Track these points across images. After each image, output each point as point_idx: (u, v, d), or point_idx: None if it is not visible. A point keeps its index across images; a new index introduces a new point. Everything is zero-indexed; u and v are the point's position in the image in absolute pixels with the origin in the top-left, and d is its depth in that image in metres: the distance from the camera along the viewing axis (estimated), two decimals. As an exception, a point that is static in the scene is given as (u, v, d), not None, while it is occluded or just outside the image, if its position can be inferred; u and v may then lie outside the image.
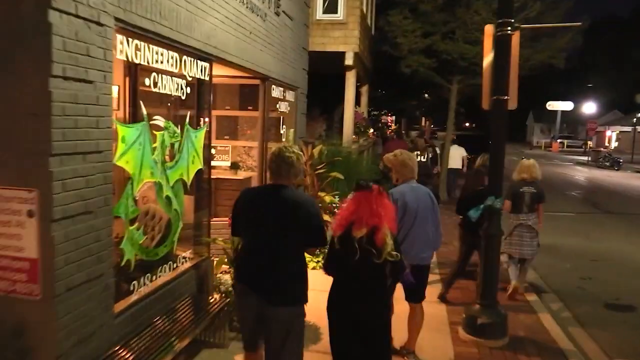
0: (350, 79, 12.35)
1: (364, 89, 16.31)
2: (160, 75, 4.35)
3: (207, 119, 5.48)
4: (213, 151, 8.32)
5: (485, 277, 5.04)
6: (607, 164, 31.84)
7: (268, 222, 3.16)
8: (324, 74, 15.10)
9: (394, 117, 28.69)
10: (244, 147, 8.93)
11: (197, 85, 5.27)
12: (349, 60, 11.90)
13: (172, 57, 4.51)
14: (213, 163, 8.39)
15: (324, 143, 13.01)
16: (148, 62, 4.11)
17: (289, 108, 8.81)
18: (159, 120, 4.44)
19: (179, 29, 4.55)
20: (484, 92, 5.22)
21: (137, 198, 4.07)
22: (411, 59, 13.09)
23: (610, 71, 60.17)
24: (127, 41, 3.83)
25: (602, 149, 39.79)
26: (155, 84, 4.29)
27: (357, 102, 16.73)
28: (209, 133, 5.53)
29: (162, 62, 4.34)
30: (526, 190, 6.37)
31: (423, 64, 13.02)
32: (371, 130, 19.03)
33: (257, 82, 7.51)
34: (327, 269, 3.36)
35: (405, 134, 20.78)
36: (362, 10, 12.47)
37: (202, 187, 5.50)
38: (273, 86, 7.82)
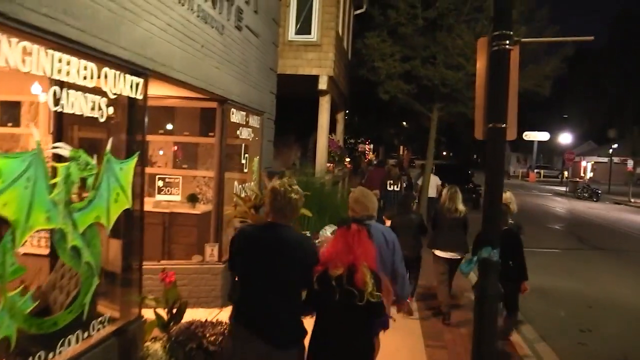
0: (324, 104, 11.49)
1: (340, 116, 15.48)
2: (64, 90, 3.34)
3: (140, 147, 4.46)
4: (160, 183, 7.32)
5: (480, 352, 4.02)
6: (586, 195, 31.50)
7: (272, 262, 3.05)
8: (298, 98, 14.28)
9: (371, 146, 27.84)
10: (204, 177, 7.92)
11: (127, 106, 4.28)
12: (322, 85, 11.06)
13: (85, 68, 3.50)
14: (159, 197, 7.41)
15: (295, 173, 12.09)
16: (44, 72, 3.11)
17: (252, 135, 7.85)
18: (63, 149, 3.41)
19: (97, 33, 3.57)
20: (477, 119, 4.33)
21: (20, 252, 3.02)
22: (389, 84, 12.30)
23: (585, 102, 60.95)
24: (9, 42, 2.83)
25: (579, 180, 39.71)
26: (57, 102, 3.28)
27: (333, 129, 15.89)
28: (141, 163, 4.48)
29: (68, 74, 3.33)
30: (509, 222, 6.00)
31: (402, 89, 12.24)
32: (347, 159, 18.16)
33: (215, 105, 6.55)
34: (305, 309, 3.20)
35: (382, 162, 19.98)
36: (338, 32, 11.70)
37: (132, 228, 4.45)
38: (233, 110, 6.86)
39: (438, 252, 6.77)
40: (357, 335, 3.09)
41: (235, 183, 7.35)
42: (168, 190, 7.17)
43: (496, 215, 4.16)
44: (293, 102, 15.85)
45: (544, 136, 54.12)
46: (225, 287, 6.60)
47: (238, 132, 7.22)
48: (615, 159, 40.45)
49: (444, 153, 55.09)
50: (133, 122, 4.36)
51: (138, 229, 4.53)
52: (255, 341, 3.03)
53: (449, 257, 6.71)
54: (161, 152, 7.92)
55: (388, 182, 10.67)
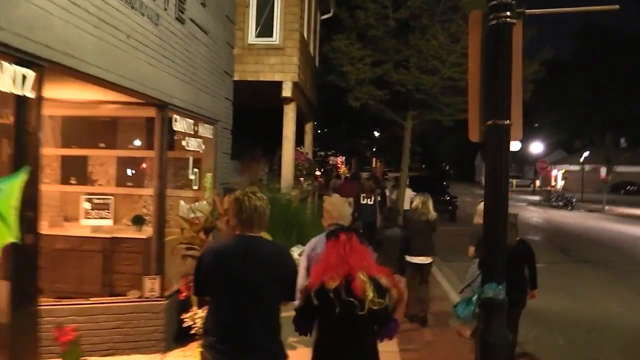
0: (289, 113, 10.52)
1: (309, 127, 14.52)
2: None
3: (33, 161, 3.38)
4: (87, 205, 6.19)
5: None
6: (561, 203, 31.22)
7: (247, 278, 2.82)
8: (264, 109, 13.29)
9: (343, 158, 26.85)
10: (152, 196, 6.81)
11: (14, 106, 3.22)
12: (287, 91, 10.09)
13: None
14: (86, 222, 6.26)
15: (260, 188, 11.04)
16: None
17: (204, 146, 6.81)
18: None
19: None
20: (471, 116, 3.42)
21: None
22: (360, 91, 11.40)
23: (554, 112, 61.52)
24: None
25: (550, 189, 39.59)
26: None
27: (301, 141, 14.92)
28: (34, 181, 3.40)
29: None
30: None
31: (374, 96, 11.35)
32: (318, 173, 17.19)
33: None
34: (300, 326, 3.04)
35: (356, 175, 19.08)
36: (302, 34, 10.78)
37: (21, 267, 3.35)
38: (176, 116, 5.82)
39: (409, 258, 6.76)
40: (363, 346, 2.96)
41: (182, 202, 6.29)
42: (96, 214, 6.02)
43: (501, 237, 3.21)
44: (259, 113, 14.86)
45: (515, 146, 52.93)
46: (169, 327, 5.52)
47: (184, 143, 6.18)
48: (587, 167, 40.53)
49: (418, 164, 54.60)
50: (21, 127, 3.29)
51: (30, 268, 3.42)
52: None
53: (420, 262, 6.86)
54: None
55: (361, 196, 10.21)
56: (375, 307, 2.80)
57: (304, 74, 11.11)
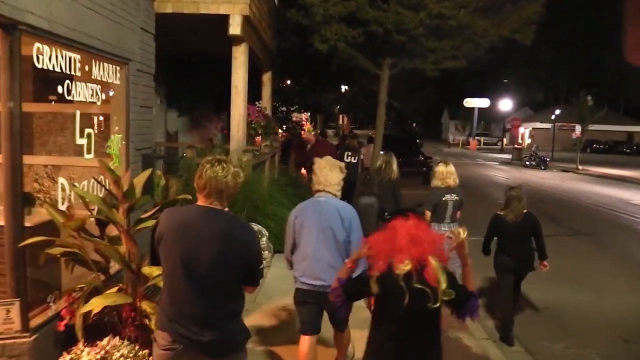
0: (239, 56, 8.32)
1: (266, 77, 12.30)
2: None
3: None
4: None
5: None
6: (534, 163, 30.05)
7: (203, 256, 2.52)
8: (216, 58, 11.02)
9: (308, 114, 24.53)
10: (48, 166, 4.67)
11: None
12: (235, 28, 7.86)
13: None
14: None
15: (204, 152, 8.96)
16: None
17: (103, 95, 4.67)
18: None
19: None
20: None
21: None
22: (328, 31, 9.24)
23: (521, 70, 60.30)
24: None
25: (517, 146, 38.44)
26: None
27: (258, 95, 12.73)
28: None
29: None
30: (449, 198, 5.88)
31: (345, 37, 9.21)
32: (280, 131, 15.09)
33: None
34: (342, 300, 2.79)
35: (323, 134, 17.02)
36: (255, -45, 8.47)
37: None
38: (39, 45, 3.65)
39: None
40: (429, 345, 2.62)
41: (62, 180, 4.19)
42: None
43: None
44: (211, 62, 12.54)
45: (484, 103, 53.10)
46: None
47: (62, 90, 4.02)
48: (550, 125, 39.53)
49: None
50: None
51: None
52: (186, 352, 2.56)
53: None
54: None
55: (346, 154, 9.59)
56: (446, 299, 2.53)
57: (257, 8, 8.86)
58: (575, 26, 56.72)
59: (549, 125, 43.22)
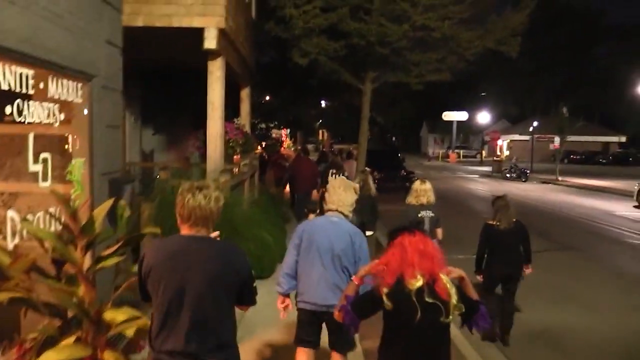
0: (216, 71, 7.89)
1: (244, 93, 11.88)
2: None
3: None
4: None
5: None
6: (514, 175, 30.03)
7: (196, 284, 2.51)
8: (193, 71, 10.56)
9: (288, 130, 24.02)
10: (4, 194, 4.13)
11: None
12: (210, 42, 7.45)
13: None
14: None
15: (179, 174, 8.48)
16: None
17: (62, 116, 4.19)
18: None
19: None
20: None
21: None
22: (308, 44, 8.87)
23: (498, 82, 60.94)
24: None
25: (496, 159, 38.53)
26: None
27: (236, 111, 12.30)
28: None
29: None
30: (425, 214, 5.95)
31: (325, 49, 8.85)
32: (259, 148, 14.63)
33: None
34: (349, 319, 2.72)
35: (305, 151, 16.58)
36: (231, -35, 8.08)
37: None
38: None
39: None
40: (443, 357, 2.65)
41: (12, 212, 3.68)
42: None
43: None
44: (189, 75, 12.06)
45: (462, 116, 53.46)
46: None
47: (12, 110, 3.54)
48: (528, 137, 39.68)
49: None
50: None
51: None
52: None
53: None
54: None
55: (330, 171, 9.13)
56: (458, 313, 2.57)
57: (234, 21, 8.48)
58: (552, 38, 57.58)
59: (527, 137, 43.49)
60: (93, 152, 4.78)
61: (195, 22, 7.49)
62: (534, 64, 58.55)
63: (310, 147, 36.02)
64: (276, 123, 18.40)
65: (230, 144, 8.63)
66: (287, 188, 13.35)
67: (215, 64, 7.89)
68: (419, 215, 5.93)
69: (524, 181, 28.85)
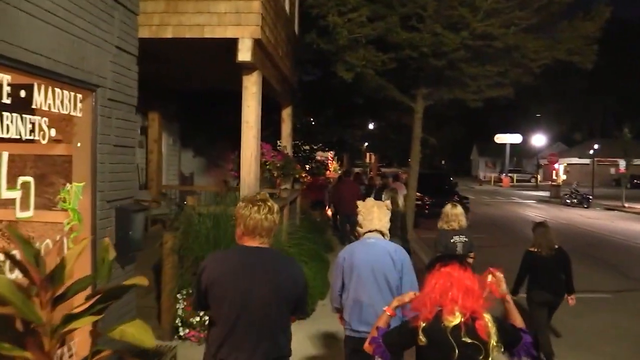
0: (251, 87, 7.14)
1: (286, 113, 11.14)
2: None
3: None
4: None
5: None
6: (575, 201, 28.06)
7: (261, 294, 2.59)
8: (231, 89, 9.95)
9: (332, 153, 23.12)
10: None
11: None
12: (244, 54, 6.72)
13: None
14: None
15: (212, 201, 7.76)
16: None
17: (53, 132, 3.48)
18: None
19: None
20: None
21: None
22: (353, 56, 8.02)
23: (553, 104, 58.42)
24: None
25: (552, 183, 36.41)
26: None
27: (278, 133, 11.57)
28: None
29: None
30: (457, 240, 5.73)
31: (373, 62, 7.96)
32: (303, 173, 13.81)
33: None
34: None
35: (349, 172, 15.70)
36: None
37: None
38: None
39: None
40: None
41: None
42: None
43: None
44: (227, 96, 11.47)
45: (516, 138, 51.30)
46: None
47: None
48: (588, 161, 37.38)
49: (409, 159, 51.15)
50: None
51: None
52: None
53: None
54: None
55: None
56: (496, 353, 2.42)
57: (272, 33, 7.75)
58: (608, 55, 54.89)
59: (586, 161, 41.11)
60: (96, 175, 4.04)
61: (229, 32, 6.78)
62: (585, 82, 55.91)
63: (358, 170, 35.18)
64: (320, 145, 17.58)
65: (267, 167, 7.83)
66: (329, 211, 13.22)
67: (251, 78, 7.14)
68: (452, 240, 5.75)
69: (586, 207, 26.89)
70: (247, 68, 7.08)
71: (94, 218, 4.03)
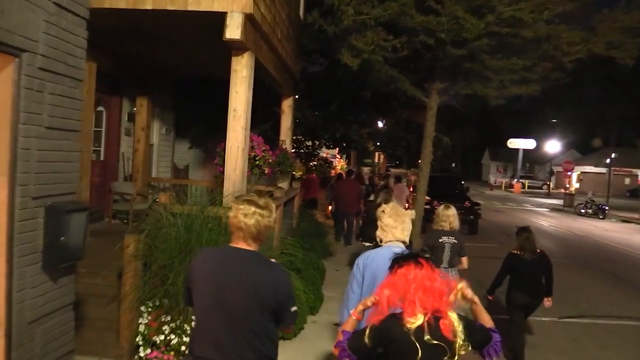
0: (241, 70, 6.22)
1: (286, 104, 10.21)
2: None
3: None
4: None
5: None
6: (590, 211, 26.93)
7: (232, 294, 2.56)
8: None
9: (337, 150, 22.03)
10: None
11: None
12: (233, 30, 5.80)
13: None
14: None
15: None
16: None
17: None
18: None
19: None
20: None
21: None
22: (360, 40, 7.06)
23: (567, 110, 57.03)
24: None
25: (565, 191, 35.25)
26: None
27: (278, 127, 10.65)
28: None
29: None
30: (446, 240, 5.62)
31: (381, 47, 7.00)
32: (300, 172, 12.92)
33: None
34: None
35: (352, 171, 14.80)
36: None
37: None
38: None
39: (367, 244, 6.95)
40: None
41: None
42: None
43: None
44: (229, 86, 10.58)
45: (529, 144, 50.02)
46: None
47: None
48: (604, 169, 36.14)
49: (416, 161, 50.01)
50: None
51: None
52: None
53: None
54: None
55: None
56: (463, 352, 2.38)
57: (269, 10, 6.82)
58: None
59: (602, 170, 39.86)
60: (16, 164, 3.15)
61: (217, 6, 5.86)
62: (601, 91, 54.47)
63: (366, 169, 34.20)
64: (324, 141, 16.58)
65: (257, 162, 6.91)
66: (330, 208, 12.88)
67: (241, 60, 6.22)
68: (440, 240, 5.64)
69: (602, 219, 25.78)
70: (237, 48, 6.17)
71: (10, 219, 3.14)
